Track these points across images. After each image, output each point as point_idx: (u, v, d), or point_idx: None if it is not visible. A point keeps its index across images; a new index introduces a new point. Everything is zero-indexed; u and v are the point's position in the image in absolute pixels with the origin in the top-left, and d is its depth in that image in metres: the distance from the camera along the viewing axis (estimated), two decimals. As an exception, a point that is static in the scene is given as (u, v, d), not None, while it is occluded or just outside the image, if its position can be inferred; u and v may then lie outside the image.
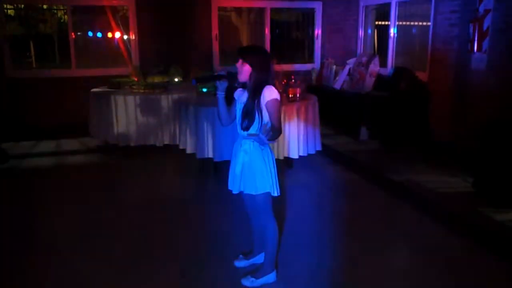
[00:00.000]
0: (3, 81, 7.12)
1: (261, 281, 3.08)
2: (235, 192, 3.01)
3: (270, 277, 3.11)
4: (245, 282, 3.09)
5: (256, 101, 2.80)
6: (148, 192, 4.96)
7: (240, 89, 2.98)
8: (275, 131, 2.78)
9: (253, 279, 3.09)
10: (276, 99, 2.79)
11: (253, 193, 2.90)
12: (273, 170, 2.93)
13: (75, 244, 3.76)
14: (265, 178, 2.88)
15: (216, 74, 2.99)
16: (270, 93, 2.78)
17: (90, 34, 8.50)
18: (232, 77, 2.91)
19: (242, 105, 2.88)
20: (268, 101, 2.78)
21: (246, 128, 2.86)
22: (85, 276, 3.25)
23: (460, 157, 5.34)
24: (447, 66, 5.87)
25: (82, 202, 4.68)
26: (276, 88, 2.84)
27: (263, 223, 3.03)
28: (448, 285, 3.16)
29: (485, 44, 5.13)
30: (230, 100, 3.02)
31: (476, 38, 5.20)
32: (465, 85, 5.60)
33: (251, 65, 2.81)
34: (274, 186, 2.92)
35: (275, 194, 2.94)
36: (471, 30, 5.28)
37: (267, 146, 2.92)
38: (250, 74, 2.82)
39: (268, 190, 2.90)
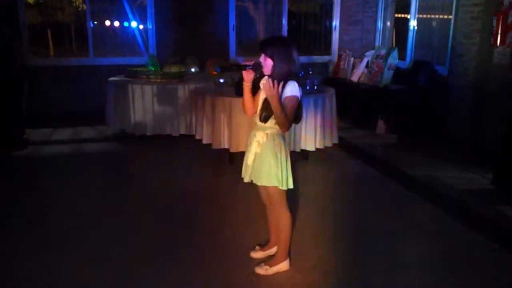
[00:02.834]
0: (22, 69, 7.20)
1: (274, 269, 3.11)
2: (246, 181, 3.03)
3: (283, 265, 3.13)
4: (259, 270, 3.12)
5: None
6: (163, 182, 4.98)
7: (267, 77, 2.93)
8: (285, 120, 2.77)
9: (267, 266, 3.12)
10: (296, 96, 2.78)
11: (263, 184, 2.92)
12: (285, 164, 2.90)
13: (90, 230, 3.80)
14: (274, 172, 2.87)
15: (242, 64, 2.95)
16: (291, 89, 2.77)
17: (108, 23, 8.53)
18: (258, 68, 2.87)
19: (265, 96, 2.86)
20: (286, 96, 2.77)
21: (265, 120, 2.86)
22: (99, 262, 3.29)
23: (480, 153, 5.25)
24: (468, 60, 5.76)
25: (97, 189, 4.73)
26: (297, 84, 2.81)
27: (277, 213, 3.06)
28: (464, 282, 3.12)
29: (509, 37, 5.02)
30: (254, 90, 3.00)
31: (499, 32, 5.09)
32: (486, 79, 5.49)
33: (272, 57, 2.80)
34: (283, 180, 2.89)
35: (284, 188, 2.92)
36: (494, 23, 5.16)
37: (281, 139, 2.91)
38: (273, 67, 2.80)
39: (275, 185, 2.90)
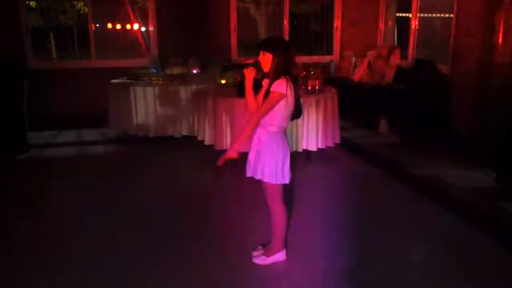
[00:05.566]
0: (24, 72, 7.23)
1: (271, 259, 3.23)
2: (248, 175, 3.14)
3: (280, 256, 3.24)
4: (257, 259, 3.24)
5: None
6: (166, 183, 4.99)
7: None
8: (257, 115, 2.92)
9: (264, 256, 3.25)
10: (280, 93, 2.85)
11: (263, 179, 3.02)
12: (286, 159, 3.00)
13: (92, 230, 3.81)
14: (273, 168, 2.97)
15: (243, 63, 3.01)
16: (276, 86, 2.86)
17: (110, 25, 8.55)
18: (259, 66, 2.95)
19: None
20: (271, 91, 2.87)
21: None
22: (101, 262, 3.30)
23: (482, 151, 5.23)
24: (470, 58, 5.75)
25: (100, 191, 4.73)
26: (288, 82, 2.87)
27: (272, 208, 3.13)
28: (468, 281, 3.12)
29: (511, 36, 5.01)
30: (256, 88, 3.07)
31: (501, 30, 5.08)
32: (488, 78, 5.48)
33: (270, 55, 2.88)
34: (282, 175, 2.99)
35: (282, 182, 3.01)
36: (496, 22, 5.15)
37: (282, 135, 3.00)
38: (271, 65, 2.88)
39: (273, 180, 2.99)
